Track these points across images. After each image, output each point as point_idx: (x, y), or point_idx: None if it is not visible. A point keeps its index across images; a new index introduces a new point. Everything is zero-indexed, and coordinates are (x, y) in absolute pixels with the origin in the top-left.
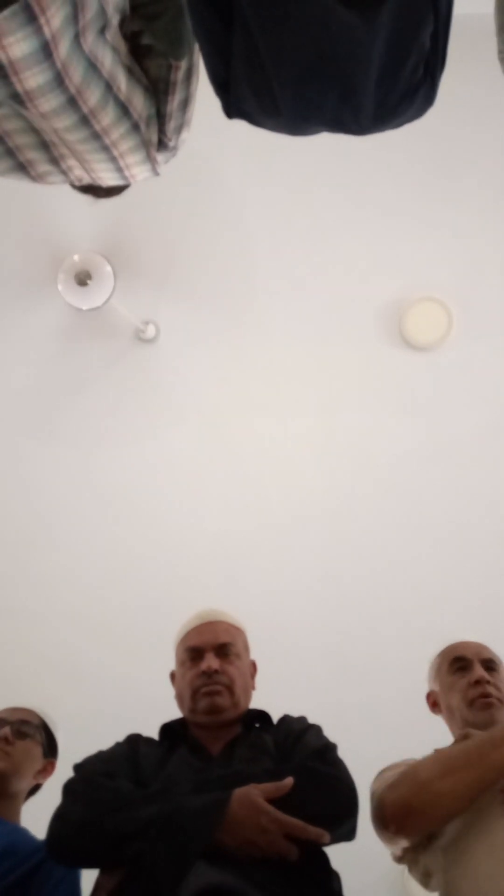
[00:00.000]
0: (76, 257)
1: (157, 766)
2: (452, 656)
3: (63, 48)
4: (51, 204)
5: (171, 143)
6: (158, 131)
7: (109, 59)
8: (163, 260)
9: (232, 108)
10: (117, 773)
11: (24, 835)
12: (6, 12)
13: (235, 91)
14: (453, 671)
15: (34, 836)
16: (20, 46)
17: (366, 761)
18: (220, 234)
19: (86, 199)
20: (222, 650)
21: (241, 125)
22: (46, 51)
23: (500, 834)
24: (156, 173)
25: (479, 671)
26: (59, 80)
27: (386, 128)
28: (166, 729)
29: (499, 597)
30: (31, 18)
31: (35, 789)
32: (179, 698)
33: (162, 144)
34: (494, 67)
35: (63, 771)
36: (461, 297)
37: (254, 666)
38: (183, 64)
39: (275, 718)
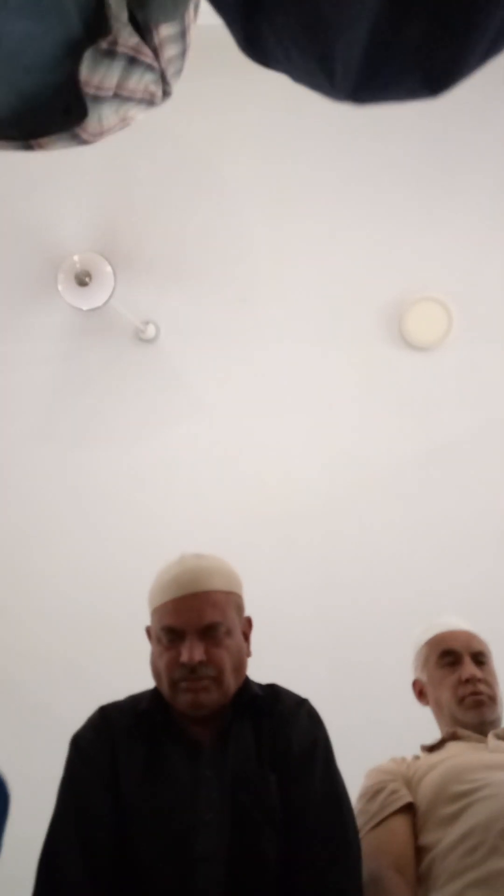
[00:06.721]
0: (76, 258)
1: (144, 772)
2: (441, 649)
3: None
4: (50, 204)
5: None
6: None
7: None
8: (163, 260)
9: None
10: (94, 822)
11: None
12: None
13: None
14: (442, 665)
15: None
16: None
17: (364, 756)
18: (220, 235)
19: (85, 201)
20: (209, 631)
21: (241, 128)
22: None
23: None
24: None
25: (469, 668)
26: None
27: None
28: (146, 717)
29: (499, 596)
30: None
31: None
32: (156, 677)
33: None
34: (495, 67)
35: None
36: (461, 297)
37: (249, 623)
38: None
39: None
